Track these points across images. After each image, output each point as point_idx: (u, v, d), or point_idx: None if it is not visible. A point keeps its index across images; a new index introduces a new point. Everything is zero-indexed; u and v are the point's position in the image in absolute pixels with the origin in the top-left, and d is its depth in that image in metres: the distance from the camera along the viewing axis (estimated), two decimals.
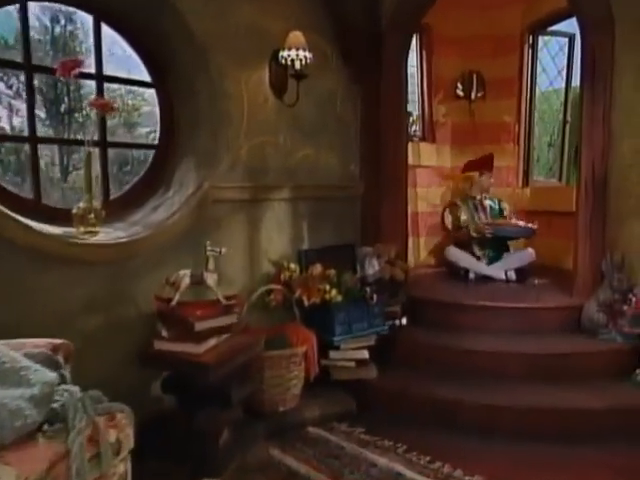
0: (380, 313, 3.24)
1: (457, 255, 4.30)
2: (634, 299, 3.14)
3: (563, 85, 4.98)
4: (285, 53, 3.01)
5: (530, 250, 4.24)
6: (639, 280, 3.22)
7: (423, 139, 4.91)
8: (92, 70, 2.71)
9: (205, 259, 2.53)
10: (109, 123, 2.85)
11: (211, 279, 2.50)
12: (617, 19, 3.16)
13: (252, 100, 3.06)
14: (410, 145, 4.50)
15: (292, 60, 3.02)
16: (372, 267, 3.40)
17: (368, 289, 3.18)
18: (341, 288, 3.11)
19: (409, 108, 4.69)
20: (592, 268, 3.35)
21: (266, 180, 3.19)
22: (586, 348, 3.08)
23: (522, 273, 4.11)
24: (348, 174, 3.71)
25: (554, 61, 5.02)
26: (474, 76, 4.84)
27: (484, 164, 4.43)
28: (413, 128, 4.75)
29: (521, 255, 4.23)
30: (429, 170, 4.86)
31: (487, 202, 4.48)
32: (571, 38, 4.86)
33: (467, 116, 4.90)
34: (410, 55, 4.72)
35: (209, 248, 2.53)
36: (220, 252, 2.53)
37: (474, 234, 4.29)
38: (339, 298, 3.06)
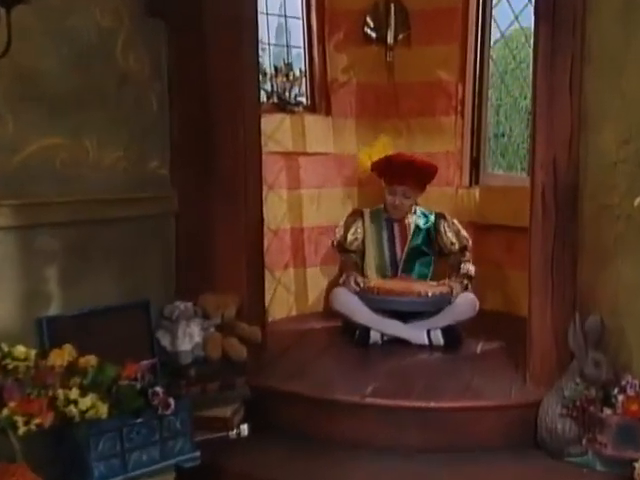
0: (186, 428, 2.70)
1: (349, 304, 3.66)
2: (621, 397, 2.64)
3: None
4: None
5: (470, 298, 3.70)
6: (634, 363, 2.77)
7: (312, 109, 4.53)
8: None
9: None
10: None
11: None
12: None
13: None
14: (288, 119, 4.26)
15: None
16: (189, 340, 3.00)
17: (159, 389, 2.58)
18: (107, 390, 2.53)
19: (289, 59, 4.53)
20: (556, 337, 3.02)
21: None
22: None
23: (454, 334, 3.61)
24: (146, 177, 3.25)
25: None
26: (392, 6, 4.49)
27: (404, 172, 3.83)
28: (294, 92, 4.34)
29: (455, 306, 3.66)
30: (322, 159, 4.48)
31: (414, 220, 3.94)
32: None
33: (383, 71, 4.57)
34: None
35: None
36: None
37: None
38: (102, 410, 2.46)
